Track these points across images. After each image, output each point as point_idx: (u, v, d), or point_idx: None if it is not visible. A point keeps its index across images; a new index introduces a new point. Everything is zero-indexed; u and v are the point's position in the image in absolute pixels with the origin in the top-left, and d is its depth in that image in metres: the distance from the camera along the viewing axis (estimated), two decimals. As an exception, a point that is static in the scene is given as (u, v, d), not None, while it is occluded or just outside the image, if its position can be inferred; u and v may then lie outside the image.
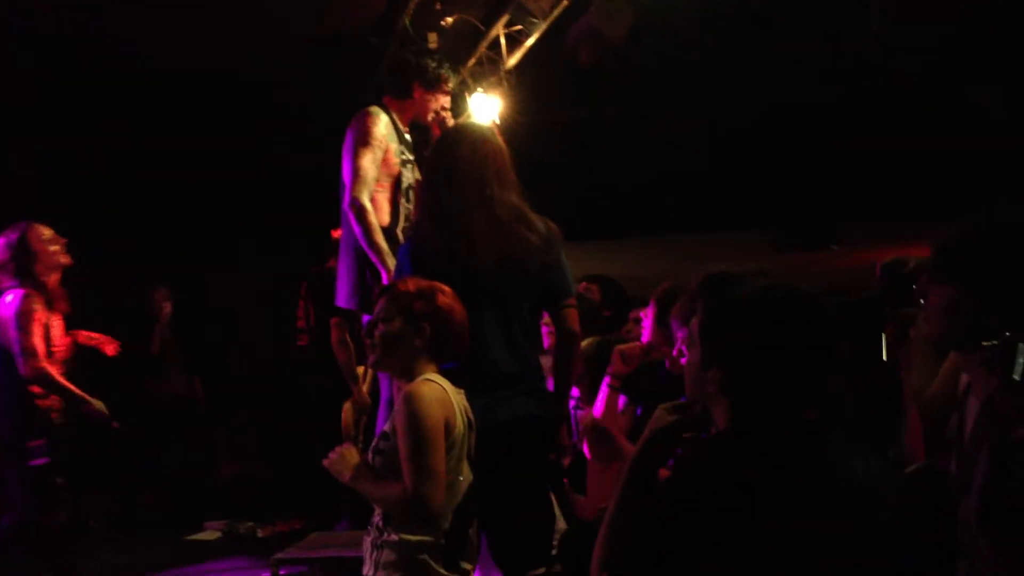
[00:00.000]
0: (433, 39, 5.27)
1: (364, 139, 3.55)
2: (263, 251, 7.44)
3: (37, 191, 6.02)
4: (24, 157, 6.20)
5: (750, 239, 8.92)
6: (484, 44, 5.12)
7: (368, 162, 3.52)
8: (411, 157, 3.76)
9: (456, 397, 2.49)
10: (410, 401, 2.39)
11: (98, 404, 4.28)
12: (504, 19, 5.02)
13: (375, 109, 3.66)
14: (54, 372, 4.17)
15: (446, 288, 2.56)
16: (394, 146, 3.65)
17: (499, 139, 3.05)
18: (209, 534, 6.38)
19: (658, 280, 3.92)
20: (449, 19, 5.19)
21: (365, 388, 5.31)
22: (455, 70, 4.01)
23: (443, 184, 2.96)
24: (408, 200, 3.74)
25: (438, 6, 5.18)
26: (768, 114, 7.26)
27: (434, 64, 3.76)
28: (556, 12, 5.00)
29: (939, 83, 6.42)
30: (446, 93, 3.80)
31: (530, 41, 5.27)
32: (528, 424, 2.88)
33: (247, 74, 5.75)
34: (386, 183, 3.63)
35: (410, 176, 3.75)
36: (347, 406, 5.60)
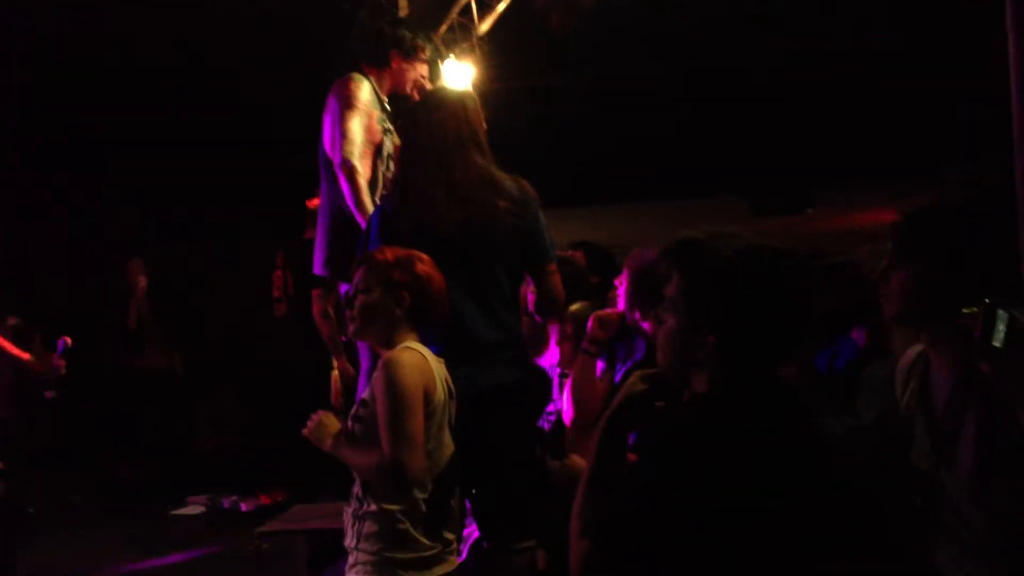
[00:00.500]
0: (403, 5, 5.22)
1: (349, 103, 3.55)
2: (240, 222, 7.39)
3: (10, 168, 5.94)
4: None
5: (726, 204, 8.94)
6: (456, 10, 5.08)
7: (355, 125, 3.52)
8: (390, 126, 3.74)
9: (437, 365, 2.49)
10: (389, 367, 2.39)
11: (49, 364, 4.19)
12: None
13: (358, 75, 3.64)
14: None
15: (424, 256, 2.55)
16: (376, 113, 3.65)
17: (467, 102, 3.03)
18: (193, 508, 6.39)
19: (633, 246, 3.93)
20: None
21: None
22: (430, 39, 3.98)
23: (407, 151, 2.97)
24: (388, 168, 3.72)
25: (407, -28, 5.13)
26: (741, 79, 7.26)
27: (410, 34, 3.76)
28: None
29: (910, 43, 6.44)
30: (423, 62, 3.80)
31: (501, 6, 5.24)
32: (513, 391, 2.86)
33: (216, 41, 5.68)
34: (368, 150, 3.62)
35: (390, 144, 3.73)
36: (335, 376, 5.57)
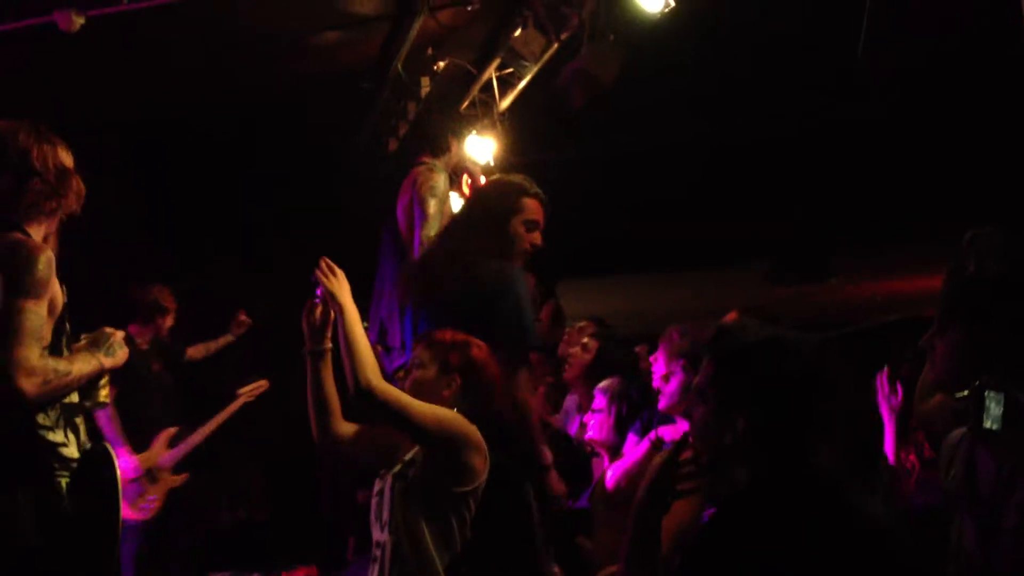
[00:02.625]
0: (425, 83, 5.34)
1: (430, 190, 3.94)
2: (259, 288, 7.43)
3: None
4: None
5: (745, 273, 8.95)
6: (476, 87, 5.19)
7: (435, 209, 3.90)
8: None
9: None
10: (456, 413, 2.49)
11: None
12: (495, 63, 5.09)
13: (434, 164, 4.06)
14: None
15: (481, 343, 2.61)
16: (450, 204, 4.11)
17: (488, 191, 3.30)
18: (214, 585, 6.32)
19: (655, 316, 3.95)
20: (441, 63, 5.26)
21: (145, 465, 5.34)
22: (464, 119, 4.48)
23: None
24: None
25: (430, 51, 5.25)
26: (761, 146, 7.31)
27: (459, 117, 4.38)
28: (547, 55, 5.07)
29: (928, 109, 6.47)
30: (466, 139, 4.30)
31: (522, 84, 5.34)
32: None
33: (236, 116, 5.80)
34: None
35: None
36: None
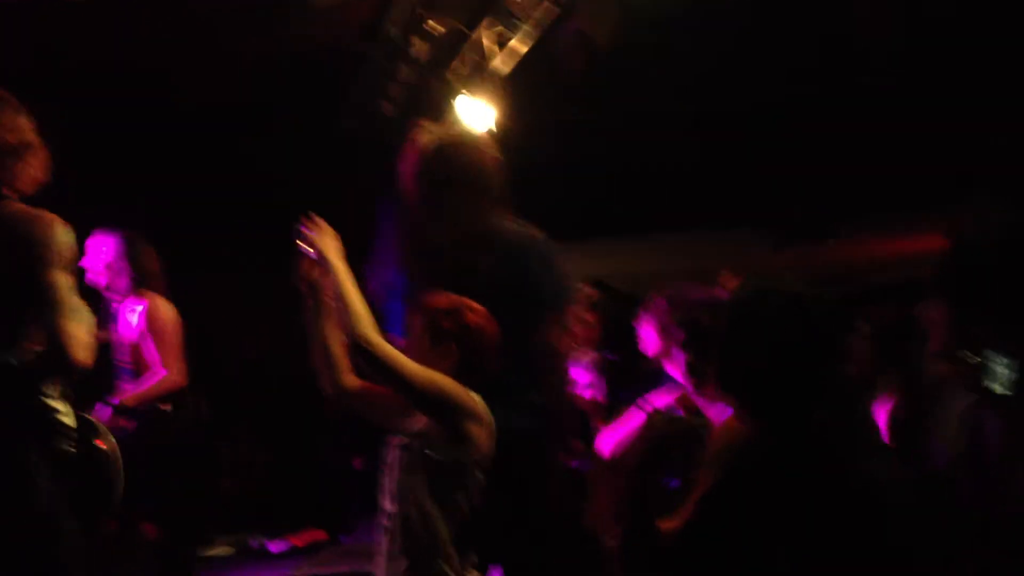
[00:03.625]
0: (417, 44, 5.26)
1: None
2: (256, 258, 7.42)
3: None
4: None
5: (745, 236, 8.91)
6: (467, 47, 5.13)
7: None
8: None
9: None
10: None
11: None
12: (487, 22, 5.03)
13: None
14: None
15: (476, 306, 2.54)
16: None
17: (464, 149, 3.00)
18: (222, 549, 6.36)
19: (654, 278, 3.93)
20: (432, 23, 5.18)
21: None
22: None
23: (414, 198, 2.97)
24: None
25: (420, 11, 5.17)
26: (760, 108, 7.26)
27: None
28: (539, 14, 5.00)
29: (930, 71, 6.43)
30: None
31: (514, 42, 5.27)
32: (520, 438, 2.75)
33: (227, 84, 5.76)
34: None
35: None
36: None
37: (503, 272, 2.83)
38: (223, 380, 7.73)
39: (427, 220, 2.89)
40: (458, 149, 2.98)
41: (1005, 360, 1.75)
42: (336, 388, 2.57)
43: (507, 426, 2.74)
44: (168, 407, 4.30)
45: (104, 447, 2.53)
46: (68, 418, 2.46)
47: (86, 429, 2.51)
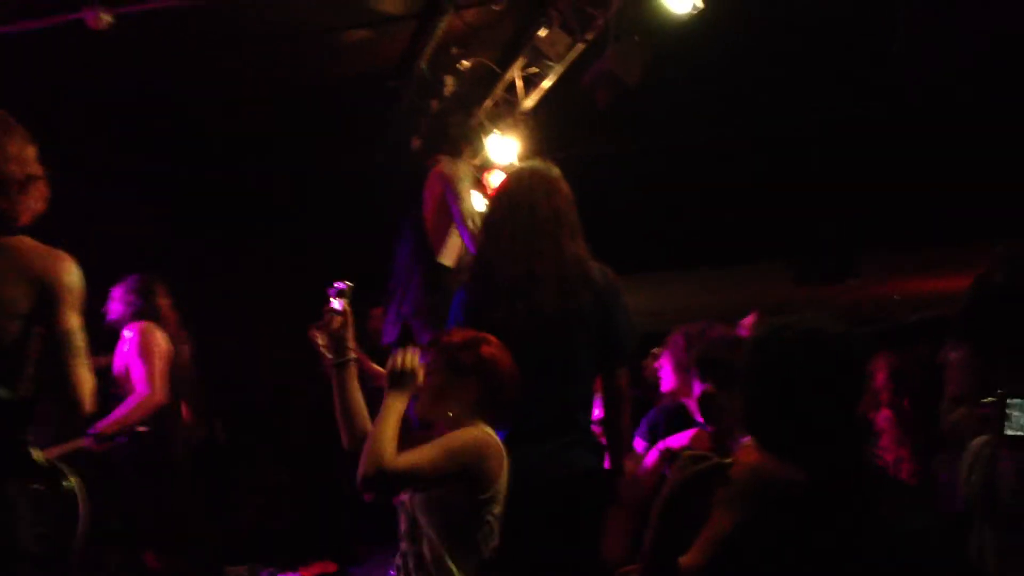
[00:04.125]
0: (449, 82, 5.35)
1: (462, 181, 4.10)
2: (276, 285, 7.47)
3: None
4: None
5: (770, 271, 8.90)
6: (500, 86, 5.20)
7: (467, 196, 4.06)
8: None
9: (502, 452, 2.48)
10: (462, 429, 2.42)
11: None
12: (520, 62, 5.10)
13: (451, 158, 4.21)
14: None
15: (492, 338, 2.53)
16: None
17: (560, 182, 2.97)
18: (234, 580, 6.37)
19: (675, 313, 3.94)
20: (466, 63, 5.27)
21: None
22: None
23: (495, 230, 2.92)
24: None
25: (454, 50, 5.26)
26: (785, 146, 7.28)
27: (472, 128, 4.52)
28: (571, 55, 5.07)
29: (960, 109, 6.43)
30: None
31: (546, 83, 5.34)
32: (589, 477, 2.83)
33: (263, 116, 5.84)
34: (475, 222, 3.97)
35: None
36: None
37: (598, 312, 2.83)
38: (239, 408, 7.79)
39: (515, 253, 2.83)
40: (558, 184, 2.96)
41: (1020, 402, 1.75)
42: (357, 441, 2.48)
43: (579, 464, 2.81)
44: (145, 428, 4.27)
45: (70, 486, 2.46)
46: (39, 456, 2.43)
47: (52, 468, 2.46)
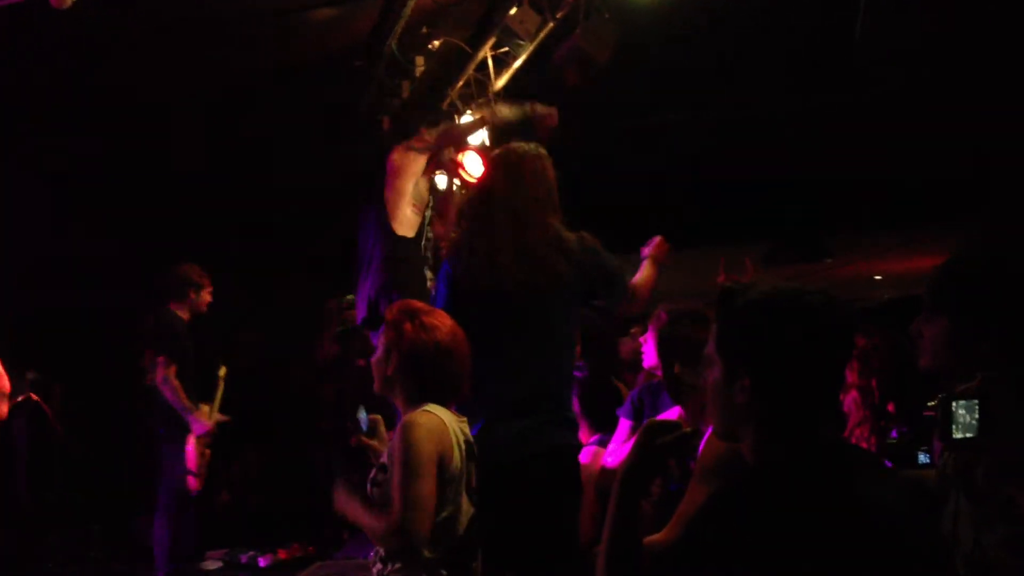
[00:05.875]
0: (420, 62, 5.30)
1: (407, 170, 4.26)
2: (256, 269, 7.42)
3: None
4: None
5: (741, 253, 8.92)
6: (472, 66, 5.15)
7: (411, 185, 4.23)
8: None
9: (456, 427, 2.48)
10: (404, 431, 2.41)
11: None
12: (491, 41, 5.05)
13: (413, 144, 4.31)
14: None
15: (427, 316, 2.54)
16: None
17: (541, 161, 3.07)
18: (211, 563, 6.34)
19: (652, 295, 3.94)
20: (436, 42, 5.22)
21: (212, 420, 5.65)
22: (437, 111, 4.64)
23: (480, 206, 3.02)
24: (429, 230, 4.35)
25: (424, 30, 5.20)
26: (758, 125, 7.28)
27: (432, 111, 4.56)
28: (542, 34, 5.03)
29: (924, 90, 6.45)
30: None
31: (517, 63, 5.29)
32: (564, 454, 2.87)
33: (227, 97, 5.76)
34: (420, 204, 4.22)
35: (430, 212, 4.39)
36: (192, 441, 5.60)
37: (579, 278, 2.95)
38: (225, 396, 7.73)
39: (496, 227, 2.93)
40: (540, 163, 3.07)
41: (970, 403, 1.75)
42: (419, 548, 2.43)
43: (554, 441, 2.85)
44: None
45: None
46: None
47: None
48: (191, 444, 5.57)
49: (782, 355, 1.57)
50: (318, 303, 6.43)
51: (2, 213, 5.36)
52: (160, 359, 5.45)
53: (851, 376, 4.30)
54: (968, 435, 1.75)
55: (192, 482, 5.59)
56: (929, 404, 1.87)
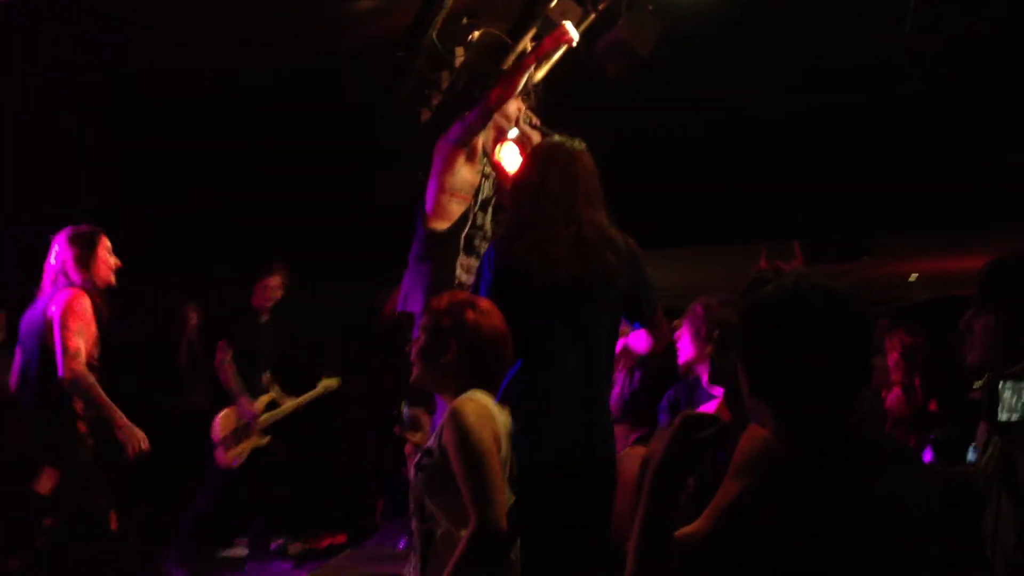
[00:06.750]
0: (460, 53, 5.28)
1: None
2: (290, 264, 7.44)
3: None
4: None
5: (780, 250, 8.84)
6: (511, 58, 5.12)
7: (460, 162, 4.05)
8: (490, 171, 4.14)
9: (501, 416, 2.46)
10: (455, 419, 2.36)
11: (135, 436, 4.19)
12: (531, 32, 5.02)
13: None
14: (92, 378, 4.12)
15: (483, 304, 2.55)
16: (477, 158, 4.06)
17: (588, 157, 3.10)
18: (240, 550, 6.39)
19: (686, 291, 3.93)
20: (476, 33, 5.19)
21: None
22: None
23: (531, 199, 3.00)
24: (484, 212, 4.15)
25: (465, 20, 5.18)
26: (798, 124, 7.21)
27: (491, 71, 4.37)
28: (583, 26, 4.99)
29: (972, 88, 6.35)
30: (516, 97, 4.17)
31: (557, 54, 5.26)
32: (608, 469, 2.91)
33: (271, 85, 5.77)
34: (465, 194, 4.05)
35: (488, 189, 4.14)
36: (224, 413, 5.84)
37: (626, 277, 2.97)
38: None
39: (552, 223, 2.93)
40: (584, 156, 3.09)
41: (1017, 386, 1.71)
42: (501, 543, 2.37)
43: (600, 452, 2.90)
44: None
45: None
46: None
47: None
48: (218, 417, 5.76)
49: (768, 355, 1.59)
50: (348, 296, 6.49)
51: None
52: (221, 343, 5.98)
53: (895, 374, 4.26)
54: (1014, 417, 1.72)
55: (218, 455, 5.76)
56: (975, 385, 1.84)
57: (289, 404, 6.30)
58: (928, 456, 3.56)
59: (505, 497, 2.34)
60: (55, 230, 4.40)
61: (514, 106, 4.16)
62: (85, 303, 4.14)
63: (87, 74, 5.36)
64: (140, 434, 4.15)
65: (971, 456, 3.29)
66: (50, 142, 5.72)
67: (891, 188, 7.72)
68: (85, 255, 4.23)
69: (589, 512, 2.85)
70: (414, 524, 2.48)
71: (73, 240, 4.26)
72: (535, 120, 4.21)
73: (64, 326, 4.03)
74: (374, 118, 5.81)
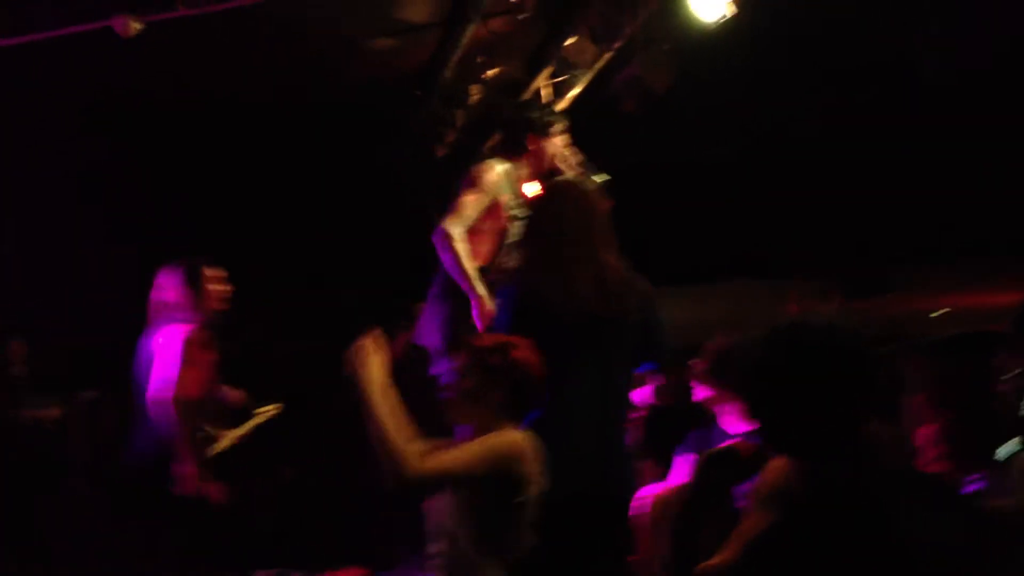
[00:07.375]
0: (475, 91, 5.32)
1: (472, 183, 3.61)
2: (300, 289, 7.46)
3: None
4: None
5: (801, 286, 8.79)
6: (526, 96, 5.15)
7: (470, 201, 3.56)
8: (522, 215, 3.72)
9: (533, 450, 2.47)
10: (495, 433, 2.43)
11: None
12: (547, 71, 5.06)
13: (492, 160, 3.73)
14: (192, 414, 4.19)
15: (521, 342, 2.57)
16: (506, 197, 3.69)
17: (600, 196, 3.11)
18: (256, 586, 6.34)
19: (705, 327, 3.90)
20: (491, 72, 5.23)
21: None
22: (555, 112, 4.11)
23: (550, 238, 2.99)
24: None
25: (480, 59, 5.22)
26: (816, 155, 7.19)
27: (538, 112, 3.94)
28: (599, 64, 5.02)
29: (991, 118, 6.31)
30: (559, 134, 3.85)
31: (573, 92, 5.28)
32: (620, 495, 2.85)
33: (285, 118, 5.84)
34: (491, 235, 3.68)
35: (518, 230, 3.83)
36: None
37: (641, 317, 2.94)
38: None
39: (574, 261, 2.92)
40: (596, 198, 3.09)
41: None
42: (402, 481, 2.34)
43: (623, 488, 2.83)
44: None
45: None
46: None
47: None
48: None
49: (764, 397, 1.62)
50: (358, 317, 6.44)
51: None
52: None
53: (928, 410, 4.18)
54: None
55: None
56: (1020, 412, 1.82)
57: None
58: (969, 488, 3.49)
59: (442, 477, 2.34)
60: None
61: (558, 144, 3.87)
62: (203, 339, 4.21)
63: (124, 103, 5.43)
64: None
65: (1002, 453, 3.24)
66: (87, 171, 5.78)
67: (914, 223, 7.68)
68: (197, 295, 4.27)
69: (607, 546, 2.82)
70: (433, 547, 2.49)
71: (184, 282, 4.28)
72: (574, 158, 3.92)
73: (186, 361, 4.09)
74: (390, 152, 5.85)
